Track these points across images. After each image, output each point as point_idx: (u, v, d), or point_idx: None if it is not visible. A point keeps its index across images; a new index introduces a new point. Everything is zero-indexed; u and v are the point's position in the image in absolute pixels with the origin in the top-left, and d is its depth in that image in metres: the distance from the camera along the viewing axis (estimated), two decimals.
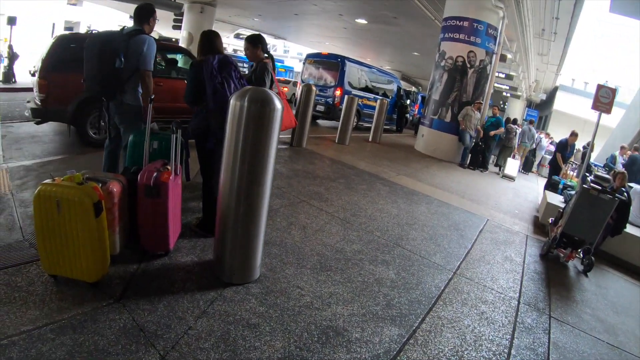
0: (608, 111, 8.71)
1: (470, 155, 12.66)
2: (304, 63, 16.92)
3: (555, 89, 37.63)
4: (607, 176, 8.54)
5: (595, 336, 3.95)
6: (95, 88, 4.13)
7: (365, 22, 20.73)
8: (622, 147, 13.26)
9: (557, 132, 22.52)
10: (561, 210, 6.36)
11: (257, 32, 5.13)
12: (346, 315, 3.16)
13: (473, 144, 12.65)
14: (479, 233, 6.17)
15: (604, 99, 8.59)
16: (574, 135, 10.99)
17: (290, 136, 9.42)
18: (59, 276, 2.87)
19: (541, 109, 41.17)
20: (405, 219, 5.90)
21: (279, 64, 36.04)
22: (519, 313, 3.96)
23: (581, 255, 5.84)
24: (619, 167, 12.47)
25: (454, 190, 8.81)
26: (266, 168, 3.09)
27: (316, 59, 16.36)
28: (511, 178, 12.82)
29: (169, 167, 3.44)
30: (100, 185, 2.86)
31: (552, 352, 3.44)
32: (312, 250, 4.15)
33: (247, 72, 5.11)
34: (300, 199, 5.68)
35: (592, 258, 5.65)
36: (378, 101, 13.17)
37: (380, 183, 7.68)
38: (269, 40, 51.87)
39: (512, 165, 13.66)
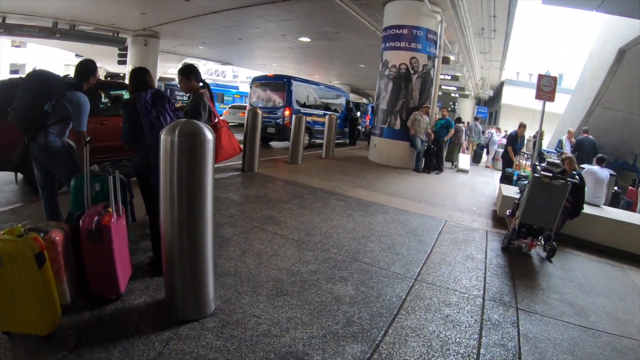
0: (551, 99, 8.89)
1: (424, 159, 12.70)
2: (250, 86, 16.85)
3: (502, 84, 38.54)
4: (557, 161, 8.67)
5: (566, 320, 3.93)
6: (17, 122, 3.97)
7: (309, 39, 20.76)
8: (569, 132, 13.52)
9: (508, 125, 22.91)
10: (517, 202, 6.35)
11: (189, 63, 4.98)
12: (306, 339, 3.02)
13: (425, 147, 12.68)
14: (438, 235, 6.11)
15: (546, 87, 8.76)
16: (522, 126, 11.15)
17: (241, 162, 9.21)
18: (12, 332, 2.72)
19: (490, 105, 42.26)
20: (362, 231, 5.77)
21: (234, 90, 35.79)
22: (485, 310, 3.88)
23: (542, 242, 5.87)
24: (567, 152, 12.75)
25: (410, 196, 8.76)
26: (205, 201, 2.99)
27: (262, 82, 16.28)
28: (465, 171, 14.25)
29: (110, 210, 3.29)
30: (42, 235, 2.74)
31: (523, 345, 3.36)
32: (267, 276, 3.98)
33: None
34: (254, 225, 5.49)
35: (554, 243, 5.67)
36: (327, 117, 13.14)
37: (335, 198, 7.56)
38: (216, 67, 51.95)
39: (464, 159, 15.12)
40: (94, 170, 3.74)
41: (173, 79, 46.53)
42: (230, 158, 5.09)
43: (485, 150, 20.00)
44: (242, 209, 6.24)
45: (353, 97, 40.16)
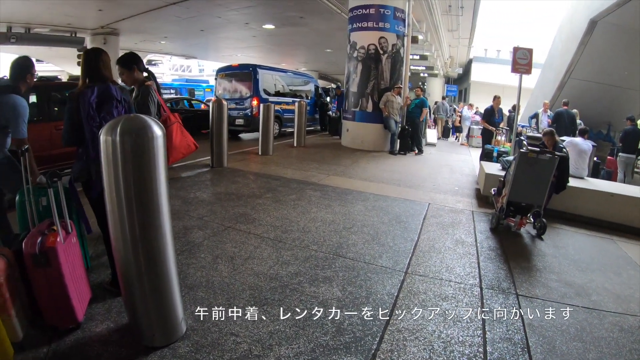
0: (528, 71, 8.67)
1: (398, 140, 12.39)
2: (215, 78, 16.31)
3: (470, 62, 38.93)
4: (537, 134, 8.43)
5: (569, 303, 3.71)
6: None
7: (273, 26, 20.18)
8: (544, 104, 13.40)
9: (479, 102, 22.92)
10: (502, 179, 6.06)
11: (128, 51, 4.25)
12: (292, 356, 2.64)
13: (399, 129, 12.39)
14: (423, 220, 5.78)
15: (522, 60, 8.52)
16: (496, 99, 10.87)
17: (209, 157, 8.75)
18: None
19: (459, 83, 42.60)
20: (343, 223, 5.38)
21: (204, 84, 35.05)
22: (485, 301, 3.59)
23: (532, 219, 5.69)
24: (543, 124, 12.66)
25: (389, 180, 8.41)
26: (159, 209, 2.51)
27: (227, 72, 15.74)
28: (432, 144, 15.31)
29: (56, 227, 2.77)
30: None
31: (531, 336, 3.09)
32: (243, 284, 3.56)
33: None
34: (225, 226, 5.05)
35: (544, 220, 5.52)
36: (296, 103, 12.66)
37: (311, 189, 7.14)
38: (181, 62, 50.93)
39: (431, 134, 16.19)
40: (40, 182, 3.26)
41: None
42: (184, 157, 4.60)
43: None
44: (212, 208, 5.78)
45: (321, 83, 39.91)
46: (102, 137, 2.38)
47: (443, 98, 22.51)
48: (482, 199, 7.24)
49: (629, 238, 5.90)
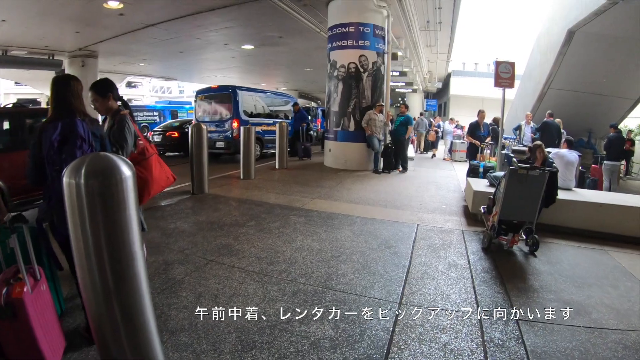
0: (511, 85, 8.62)
1: (382, 159, 12.24)
2: (195, 100, 16.11)
3: (449, 76, 39.19)
4: (523, 148, 8.32)
5: (570, 324, 3.59)
6: None
7: (252, 47, 19.98)
8: (527, 116, 13.40)
9: (459, 115, 23.08)
10: (491, 197, 5.91)
11: (104, 77, 3.85)
12: None
13: (383, 147, 12.24)
14: (413, 244, 5.58)
15: (504, 74, 8.46)
16: (481, 113, 10.79)
17: (190, 184, 8.51)
18: None
19: (439, 97, 43.05)
20: (330, 251, 5.16)
21: (187, 106, 34.80)
22: (484, 329, 3.40)
23: (524, 236, 5.54)
24: (526, 136, 12.64)
25: (375, 201, 8.23)
26: (132, 255, 2.23)
27: (207, 94, 15.62)
28: (411, 158, 14.54)
29: (22, 276, 2.52)
30: None
31: None
32: (229, 326, 3.31)
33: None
34: (208, 259, 4.80)
35: (536, 236, 5.41)
36: (277, 125, 12.47)
37: (295, 214, 6.91)
38: (161, 83, 50.63)
39: (409, 149, 15.08)
40: (4, 222, 2.90)
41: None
42: (163, 190, 4.36)
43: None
44: (193, 239, 5.52)
45: (302, 102, 39.94)
46: (64, 180, 2.11)
47: (421, 114, 22.42)
48: (471, 217, 7.10)
49: (620, 247, 5.86)
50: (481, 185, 7.36)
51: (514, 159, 5.40)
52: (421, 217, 7.01)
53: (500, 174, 7.11)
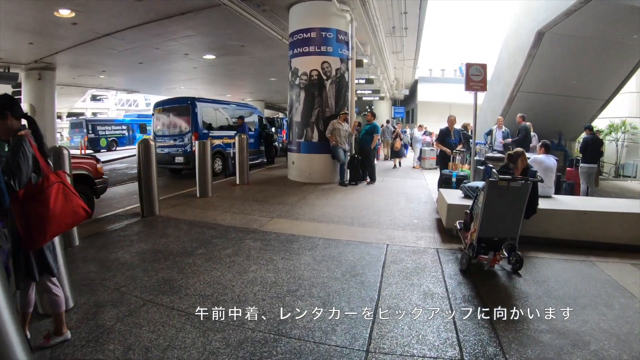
0: (483, 88, 8.15)
1: (348, 170, 11.63)
2: (152, 113, 15.34)
3: (416, 82, 39.31)
4: (499, 155, 7.78)
5: None
6: None
7: (214, 56, 19.44)
8: (499, 120, 13.01)
9: (427, 121, 22.88)
10: (469, 212, 5.30)
11: (2, 94, 3.04)
12: None
13: (349, 158, 11.66)
14: (383, 269, 4.92)
15: (475, 77, 7.99)
16: (450, 119, 10.08)
17: (139, 205, 7.69)
18: None
19: (406, 104, 43.16)
20: (287, 284, 4.44)
21: None
22: None
23: (505, 254, 4.97)
24: (497, 141, 12.22)
25: (341, 218, 7.56)
26: None
27: (165, 106, 14.82)
28: None
29: None
30: None
31: None
32: None
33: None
34: (145, 300, 4.05)
35: (519, 253, 4.88)
36: (236, 138, 11.67)
37: (251, 238, 6.17)
38: (127, 96, 49.58)
39: None
40: None
41: (81, 113, 44.37)
42: (71, 228, 3.58)
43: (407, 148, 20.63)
44: (133, 273, 4.75)
45: (268, 113, 39.42)
46: None
47: (387, 122, 22.71)
48: (446, 232, 6.51)
49: (605, 256, 5.53)
50: (455, 197, 6.79)
51: (494, 170, 4.78)
52: (391, 235, 6.38)
53: (476, 184, 6.55)
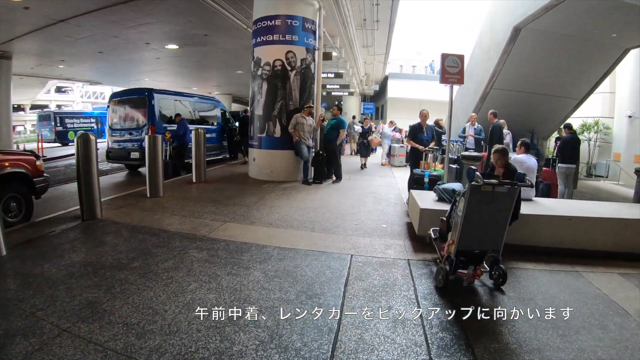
0: (460, 81, 7.56)
1: (313, 167, 10.92)
2: (108, 105, 14.31)
3: (386, 78, 39.12)
4: (476, 154, 7.21)
5: None
6: None
7: (177, 46, 18.76)
8: (472, 117, 12.49)
9: (397, 118, 22.49)
10: (445, 219, 4.64)
11: None
12: None
13: (313, 154, 10.95)
14: (345, 288, 4.21)
15: (452, 68, 7.36)
16: (423, 115, 9.03)
17: (79, 207, 6.78)
18: None
19: (376, 100, 43.17)
20: (230, 308, 3.66)
21: None
22: None
23: (487, 267, 4.36)
24: (469, 138, 11.77)
25: (301, 222, 6.83)
26: None
27: (120, 98, 13.83)
28: None
29: None
30: None
31: None
32: None
33: None
34: (61, 328, 3.27)
35: (502, 267, 4.32)
36: (193, 132, 10.75)
37: (196, 248, 5.36)
38: (94, 88, 48.00)
39: None
40: None
41: (45, 106, 42.86)
42: None
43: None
44: (54, 293, 3.93)
45: (236, 107, 38.53)
46: None
47: (353, 117, 23.64)
48: (417, 240, 5.86)
49: (591, 265, 5.17)
50: (428, 200, 6.12)
51: (477, 173, 4.09)
52: (356, 244, 5.67)
53: (451, 186, 5.91)
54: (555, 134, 17.33)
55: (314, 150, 11.04)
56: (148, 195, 8.51)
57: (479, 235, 4.15)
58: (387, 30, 19.89)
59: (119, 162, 13.74)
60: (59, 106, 45.98)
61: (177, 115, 12.97)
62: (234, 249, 5.30)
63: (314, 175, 10.88)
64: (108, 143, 13.74)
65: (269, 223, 6.66)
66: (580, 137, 18.87)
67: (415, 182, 7.79)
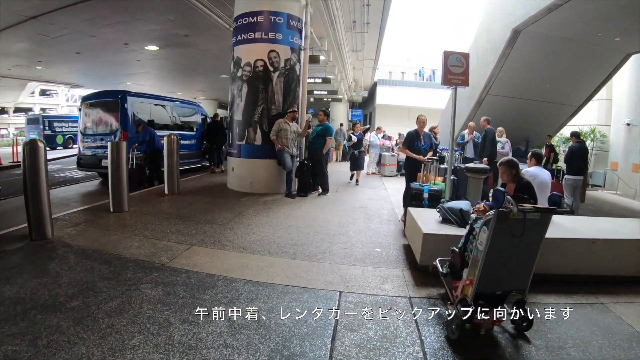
0: (464, 82, 6.68)
1: (297, 178, 9.96)
2: (79, 108, 13.22)
3: (375, 85, 38.66)
4: (484, 166, 6.40)
5: None
6: None
7: (157, 47, 18.05)
8: (470, 126, 11.67)
9: (385, 125, 21.84)
10: (457, 250, 3.75)
11: None
12: None
13: (297, 164, 9.98)
14: (332, 344, 3.28)
15: (455, 68, 6.52)
16: (420, 121, 7.91)
17: (26, 225, 5.81)
18: None
19: (364, 107, 43.47)
20: None
21: None
22: None
23: (508, 308, 3.45)
24: (469, 147, 11.08)
25: (280, 245, 5.85)
26: None
27: (92, 101, 12.69)
28: None
29: None
30: None
31: None
32: None
33: None
34: None
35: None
36: (166, 138, 9.71)
37: (150, 281, 4.39)
38: (79, 91, 47.39)
39: None
40: None
41: (29, 109, 41.99)
42: None
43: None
44: None
45: (222, 113, 37.82)
46: None
47: (341, 125, 23.89)
48: (419, 269, 4.97)
49: (614, 294, 4.58)
50: (431, 221, 5.21)
51: (508, 196, 3.18)
52: (346, 275, 4.74)
53: (458, 205, 5.05)
54: (570, 142, 17.02)
55: (298, 159, 10.10)
56: (111, 209, 7.52)
57: (504, 274, 3.32)
58: (377, 34, 19.20)
59: (91, 169, 12.66)
60: (43, 109, 45.58)
61: (140, 123, 11.86)
62: (196, 283, 4.33)
63: (298, 187, 9.92)
64: (79, 149, 12.72)
65: (243, 247, 5.68)
66: None
67: (413, 198, 6.77)
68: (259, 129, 9.68)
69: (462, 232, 3.96)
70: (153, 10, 12.88)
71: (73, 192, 10.70)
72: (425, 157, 7.50)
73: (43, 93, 47.49)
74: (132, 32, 15.52)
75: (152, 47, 18.02)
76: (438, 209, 5.31)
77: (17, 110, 42.81)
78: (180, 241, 5.83)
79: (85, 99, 13.11)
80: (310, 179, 10.08)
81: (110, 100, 12.06)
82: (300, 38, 10.25)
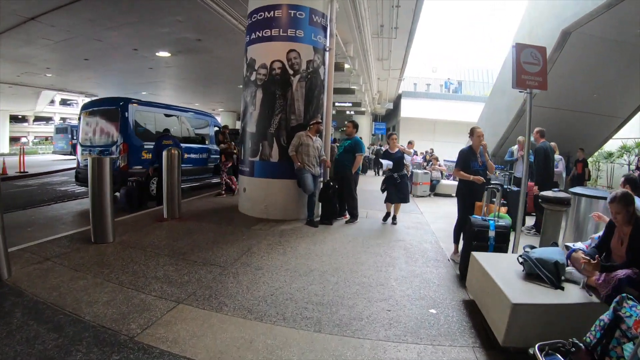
0: (542, 85, 5.16)
1: (321, 202, 8.48)
2: (79, 117, 12.03)
3: (399, 97, 37.85)
4: (565, 195, 4.91)
5: None
6: None
7: (168, 54, 17.11)
8: (519, 141, 10.23)
9: (410, 139, 20.61)
10: (583, 347, 2.31)
11: None
12: None
13: (321, 185, 8.51)
14: None
15: (530, 66, 5.01)
16: (476, 132, 6.22)
17: None
18: None
19: (388, 120, 43.77)
20: None
21: None
22: None
23: None
24: (519, 165, 9.96)
25: (298, 308, 4.21)
26: None
27: (92, 109, 11.46)
28: None
29: None
30: None
31: None
32: None
33: None
34: None
35: None
36: (165, 153, 8.22)
37: None
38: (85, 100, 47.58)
39: None
40: None
41: (50, 118, 41.94)
42: None
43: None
44: None
45: (234, 124, 37.00)
46: None
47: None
48: (498, 348, 3.39)
49: None
50: (513, 279, 3.68)
51: None
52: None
53: (551, 256, 3.60)
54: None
55: (322, 180, 8.66)
56: (92, 239, 6.15)
57: None
58: (406, 39, 18.03)
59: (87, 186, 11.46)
60: (63, 119, 45.83)
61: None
62: None
63: (321, 214, 8.41)
64: (78, 162, 11.48)
65: (248, 308, 4.10)
66: (620, 160, 17.87)
67: (475, 237, 4.98)
68: (275, 142, 8.24)
69: (562, 298, 2.65)
70: (159, 10, 11.90)
71: (65, 212, 9.48)
72: (488, 181, 5.88)
73: (64, 102, 47.62)
74: (139, 35, 14.65)
75: (164, 54, 17.11)
76: (522, 260, 3.76)
77: (38, 119, 43.93)
78: (164, 295, 4.33)
79: (84, 107, 11.94)
80: (337, 203, 8.60)
81: (110, 109, 10.82)
82: (325, 37, 8.86)
